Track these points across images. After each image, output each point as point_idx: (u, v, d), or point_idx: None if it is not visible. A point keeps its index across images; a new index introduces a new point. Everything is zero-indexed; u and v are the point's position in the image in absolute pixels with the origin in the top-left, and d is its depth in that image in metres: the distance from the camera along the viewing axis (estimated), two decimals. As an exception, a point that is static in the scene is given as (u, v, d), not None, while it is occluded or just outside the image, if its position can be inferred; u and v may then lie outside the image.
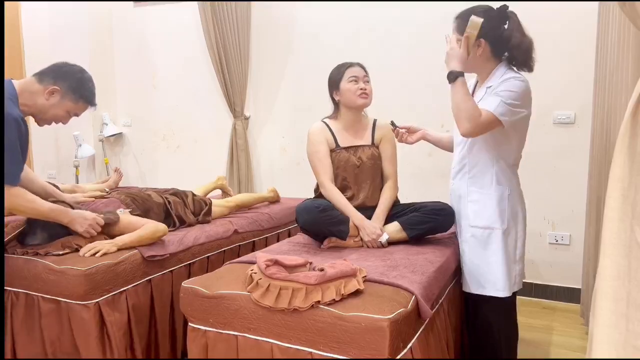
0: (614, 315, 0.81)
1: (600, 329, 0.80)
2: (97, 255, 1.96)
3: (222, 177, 3.28)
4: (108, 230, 2.13)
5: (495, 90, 1.83)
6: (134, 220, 2.21)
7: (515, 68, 1.91)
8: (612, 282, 0.82)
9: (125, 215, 2.23)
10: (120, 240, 2.07)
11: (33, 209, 1.93)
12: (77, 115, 2.06)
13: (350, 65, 2.26)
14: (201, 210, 2.67)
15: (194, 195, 2.73)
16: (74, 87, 1.99)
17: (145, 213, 2.40)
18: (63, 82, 1.97)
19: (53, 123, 2.04)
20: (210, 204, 2.74)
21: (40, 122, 2.02)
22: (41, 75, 1.97)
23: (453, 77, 1.80)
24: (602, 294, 0.83)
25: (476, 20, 1.78)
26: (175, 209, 2.55)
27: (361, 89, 2.22)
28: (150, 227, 2.16)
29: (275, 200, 3.27)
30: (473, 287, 2.00)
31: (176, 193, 2.68)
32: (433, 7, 3.21)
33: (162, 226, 2.20)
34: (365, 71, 2.28)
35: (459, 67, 1.81)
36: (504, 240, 1.94)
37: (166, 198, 2.57)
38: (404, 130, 2.23)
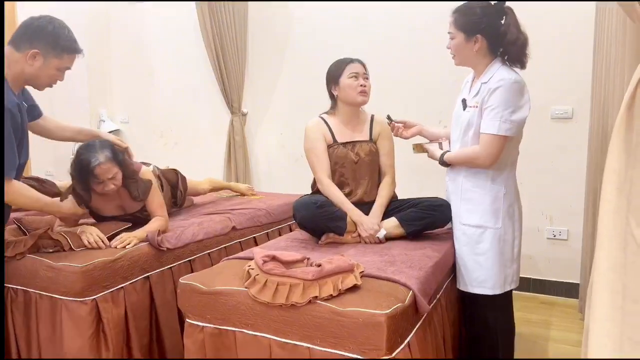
0: (610, 309, 0.81)
1: (597, 322, 0.80)
2: (128, 247, 2.05)
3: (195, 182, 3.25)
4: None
5: (489, 104, 1.83)
6: (158, 200, 2.32)
7: (509, 64, 1.91)
8: (608, 275, 0.82)
9: (153, 177, 2.34)
10: (144, 232, 2.17)
11: (27, 204, 1.98)
12: (69, 68, 1.92)
13: (350, 61, 2.24)
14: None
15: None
16: (52, 43, 1.84)
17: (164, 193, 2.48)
18: (39, 42, 1.82)
19: (53, 84, 1.93)
20: (185, 183, 2.80)
21: (40, 87, 1.92)
22: (16, 42, 1.82)
23: (444, 162, 2.05)
24: (599, 287, 0.83)
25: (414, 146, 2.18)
26: (174, 193, 2.66)
27: (361, 85, 2.21)
28: (163, 223, 2.30)
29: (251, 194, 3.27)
30: (465, 284, 2.01)
31: (168, 176, 2.70)
32: (432, 3, 3.19)
33: (167, 223, 2.34)
34: (365, 68, 2.26)
35: (439, 156, 2.06)
36: (498, 239, 1.94)
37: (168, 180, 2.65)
38: (400, 125, 2.23)
